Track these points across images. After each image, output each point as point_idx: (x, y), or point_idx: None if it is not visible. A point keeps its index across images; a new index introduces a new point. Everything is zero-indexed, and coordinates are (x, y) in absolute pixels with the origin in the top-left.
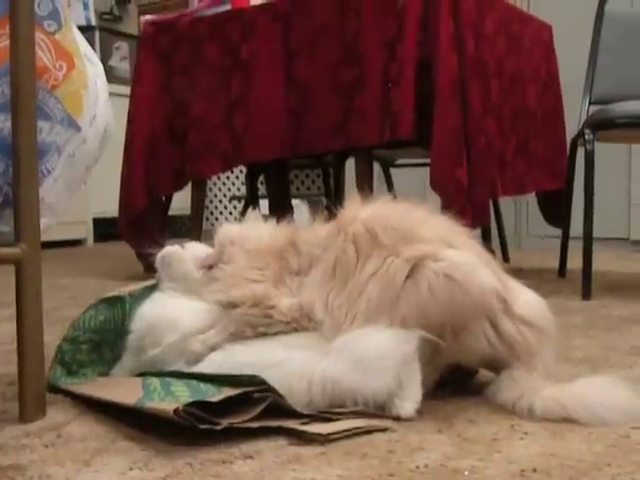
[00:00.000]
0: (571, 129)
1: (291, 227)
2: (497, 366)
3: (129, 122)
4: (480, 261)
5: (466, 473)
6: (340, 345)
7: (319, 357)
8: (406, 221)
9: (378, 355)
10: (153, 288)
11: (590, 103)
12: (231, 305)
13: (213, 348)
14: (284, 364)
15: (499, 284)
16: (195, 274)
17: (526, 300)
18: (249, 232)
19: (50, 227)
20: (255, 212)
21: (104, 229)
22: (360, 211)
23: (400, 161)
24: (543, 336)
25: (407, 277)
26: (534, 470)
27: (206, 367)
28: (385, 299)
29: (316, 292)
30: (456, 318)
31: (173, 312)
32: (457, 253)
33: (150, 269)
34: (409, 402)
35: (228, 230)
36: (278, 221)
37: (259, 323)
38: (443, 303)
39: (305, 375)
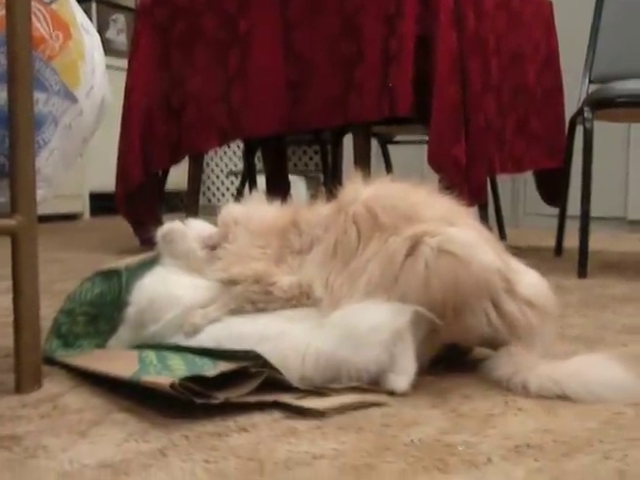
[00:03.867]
0: (571, 108)
1: (293, 207)
2: (496, 344)
3: (126, 95)
4: (482, 240)
5: (460, 448)
6: (335, 318)
7: (315, 330)
8: (407, 201)
9: (370, 328)
10: (150, 262)
11: (590, 82)
12: (232, 282)
13: (213, 322)
14: (280, 337)
15: (502, 264)
16: (198, 252)
17: (529, 281)
18: (252, 212)
19: (46, 199)
20: (259, 193)
21: (101, 203)
22: (361, 191)
23: (398, 138)
24: (545, 317)
25: (407, 255)
26: (528, 446)
27: (204, 338)
28: (385, 278)
29: (316, 271)
30: (458, 295)
31: (175, 288)
32: (457, 230)
33: (146, 243)
34: (403, 377)
35: (232, 210)
36: (279, 200)
37: (259, 300)
38: (444, 280)
39: (300, 348)
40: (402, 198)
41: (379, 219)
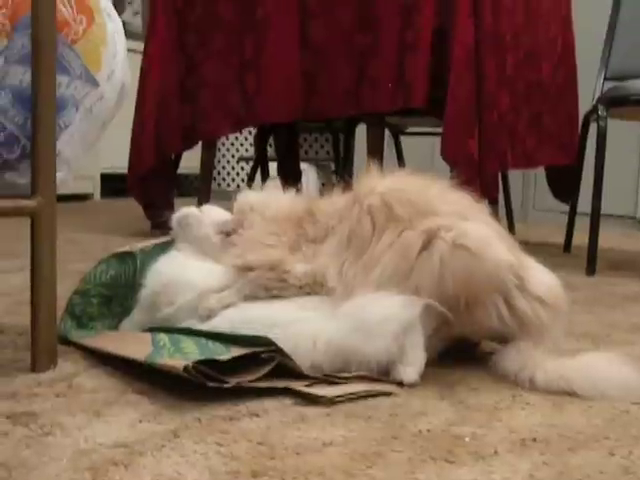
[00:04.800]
0: (585, 104)
1: (309, 197)
2: (505, 339)
3: (141, 78)
4: (496, 236)
5: (467, 439)
6: (347, 308)
7: (327, 319)
8: (423, 195)
9: (381, 318)
10: (165, 246)
11: (605, 79)
12: (247, 268)
13: (227, 307)
14: (293, 324)
15: (514, 260)
16: (213, 239)
17: (541, 278)
18: (268, 199)
19: (65, 182)
20: (274, 181)
21: (111, 184)
22: (377, 183)
23: (410, 129)
24: (556, 315)
25: (422, 249)
26: (534, 440)
27: (218, 321)
28: (399, 271)
29: (330, 261)
30: (470, 290)
31: (189, 272)
32: (471, 225)
33: (158, 227)
34: (412, 368)
35: (248, 197)
36: (291, 188)
37: (273, 286)
38: (457, 274)
39: (311, 335)
40: (418, 192)
41: (394, 211)
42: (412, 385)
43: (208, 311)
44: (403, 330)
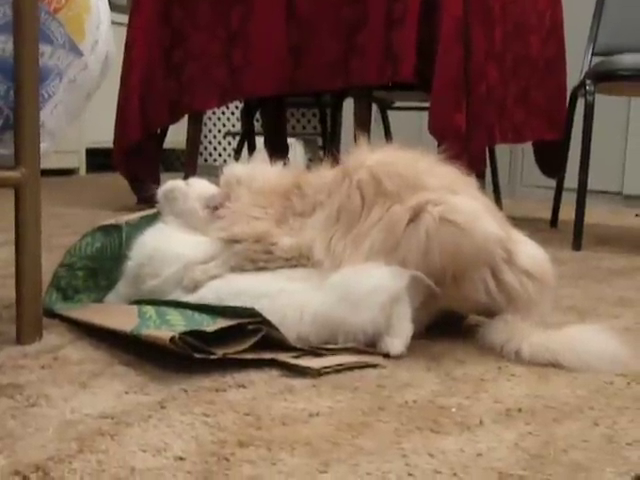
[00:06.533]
0: (573, 80)
1: (297, 170)
2: (492, 313)
3: (126, 51)
4: (485, 210)
5: (453, 410)
6: (334, 279)
7: (314, 290)
8: (412, 169)
9: (368, 289)
10: (151, 218)
11: (593, 54)
12: (233, 240)
13: (213, 279)
14: (280, 295)
15: (503, 234)
16: (199, 212)
17: (529, 252)
18: (255, 172)
19: (49, 152)
20: (262, 153)
21: (97, 159)
22: (367, 157)
23: (397, 103)
24: (543, 288)
25: (409, 223)
26: (519, 410)
27: (204, 293)
28: (387, 245)
29: (318, 234)
30: (457, 264)
31: (175, 244)
32: (460, 199)
33: (143, 201)
34: (398, 340)
35: (234, 170)
36: (280, 162)
37: (259, 259)
38: (444, 248)
39: (298, 306)
40: (407, 166)
41: (383, 186)
42: (398, 357)
43: (193, 282)
44: (390, 301)
